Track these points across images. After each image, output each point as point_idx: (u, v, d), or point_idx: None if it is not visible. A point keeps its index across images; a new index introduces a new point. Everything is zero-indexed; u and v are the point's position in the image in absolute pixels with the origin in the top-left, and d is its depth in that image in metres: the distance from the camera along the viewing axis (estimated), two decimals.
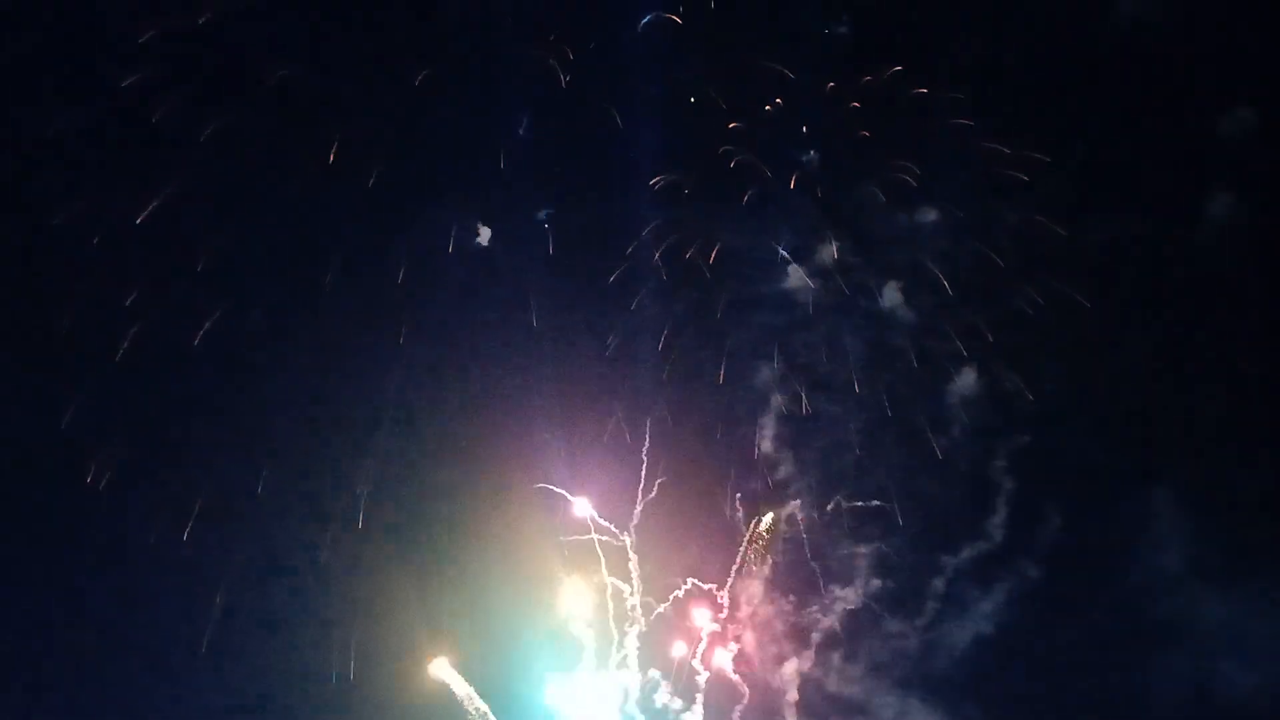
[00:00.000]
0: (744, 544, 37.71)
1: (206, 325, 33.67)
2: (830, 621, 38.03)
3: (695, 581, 37.48)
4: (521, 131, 35.57)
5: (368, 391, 35.82)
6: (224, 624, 34.75)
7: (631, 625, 37.24)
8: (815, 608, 38.06)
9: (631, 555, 37.05)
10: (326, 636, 35.39)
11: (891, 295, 37.47)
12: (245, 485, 34.87)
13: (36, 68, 32.60)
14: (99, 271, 33.07)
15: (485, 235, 35.66)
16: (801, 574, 38.07)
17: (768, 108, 36.29)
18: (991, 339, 37.12)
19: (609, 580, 37.09)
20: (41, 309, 33.14)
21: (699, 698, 37.57)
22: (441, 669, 36.19)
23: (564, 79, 34.94)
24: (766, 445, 37.78)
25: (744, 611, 37.96)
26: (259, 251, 33.94)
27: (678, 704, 37.47)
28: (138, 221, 32.72)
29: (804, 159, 36.67)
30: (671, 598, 37.31)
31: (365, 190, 33.99)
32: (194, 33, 32.63)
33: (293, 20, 33.59)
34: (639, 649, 37.27)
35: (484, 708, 36.11)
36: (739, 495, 37.80)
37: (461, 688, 36.12)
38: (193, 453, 34.92)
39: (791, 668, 37.98)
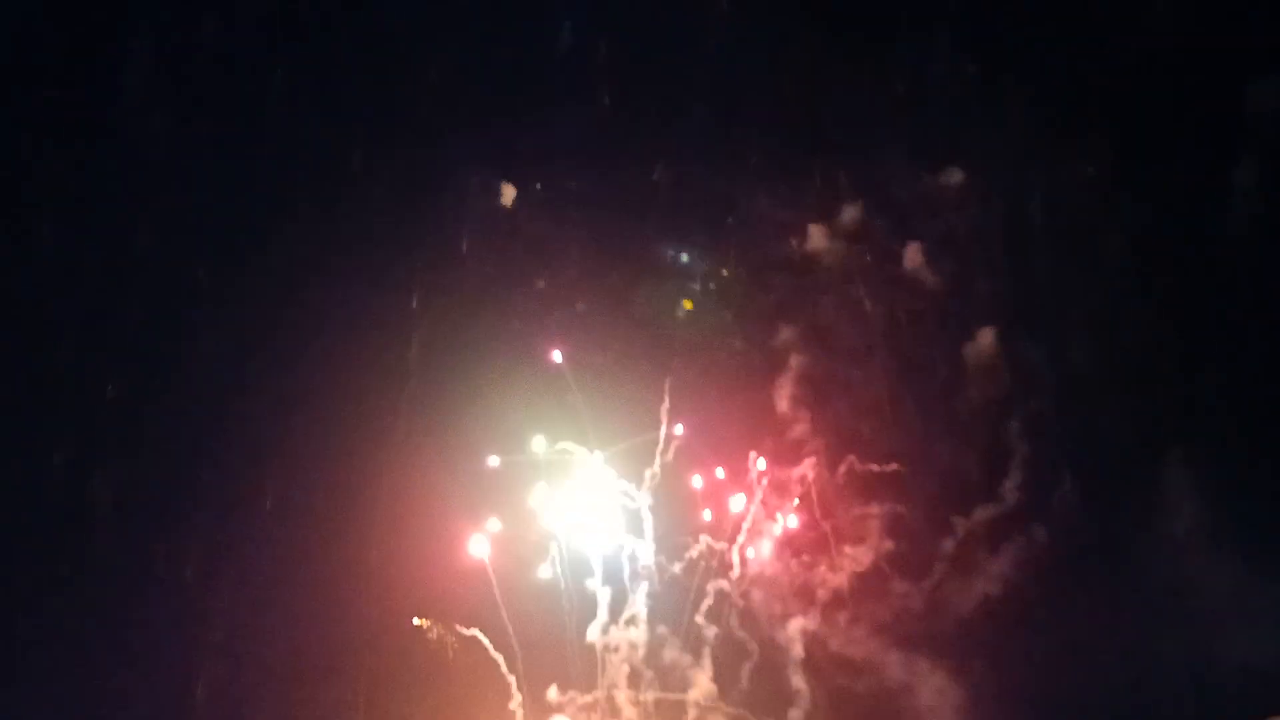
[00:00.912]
0: (757, 503, 37.79)
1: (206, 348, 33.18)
2: (840, 581, 38.17)
3: (708, 540, 37.54)
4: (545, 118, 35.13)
5: (379, 403, 35.52)
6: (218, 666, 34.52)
7: (643, 582, 37.35)
8: (825, 567, 38.20)
9: (647, 515, 37.18)
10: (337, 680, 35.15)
11: (914, 257, 37.37)
12: (249, 515, 34.67)
13: (27, 81, 31.59)
14: (92, 295, 32.41)
15: (509, 195, 35.36)
16: (813, 534, 38.17)
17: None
18: (1012, 305, 37.19)
19: (624, 539, 37.19)
20: (34, 335, 32.52)
21: (706, 652, 37.77)
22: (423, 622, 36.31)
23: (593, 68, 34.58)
24: (784, 406, 37.71)
25: (754, 570, 38.07)
26: (257, 267, 33.29)
27: (687, 660, 37.67)
28: (134, 239, 32.13)
29: (827, 122, 36.39)
30: (685, 557, 37.43)
31: (371, 209, 33.56)
32: (192, 45, 31.82)
33: (293, 31, 32.75)
34: (650, 606, 37.40)
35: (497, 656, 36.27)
36: (754, 455, 37.71)
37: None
38: (195, 475, 34.59)
39: (799, 626, 38.17)
